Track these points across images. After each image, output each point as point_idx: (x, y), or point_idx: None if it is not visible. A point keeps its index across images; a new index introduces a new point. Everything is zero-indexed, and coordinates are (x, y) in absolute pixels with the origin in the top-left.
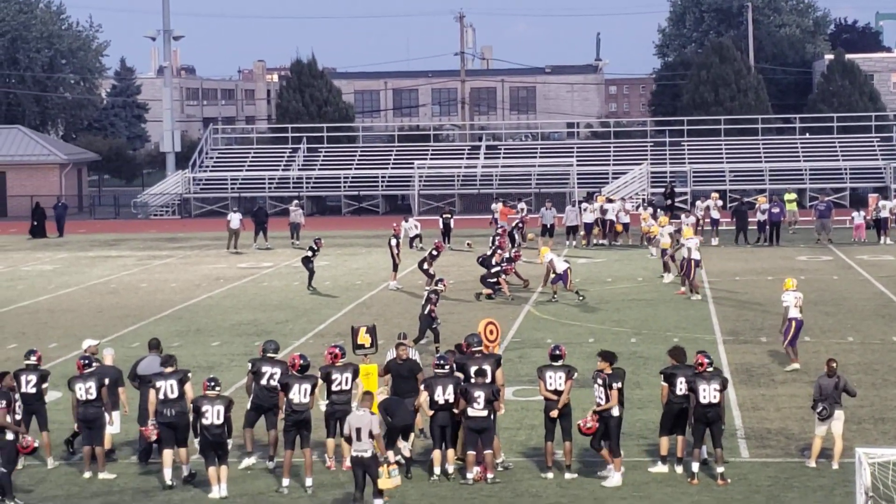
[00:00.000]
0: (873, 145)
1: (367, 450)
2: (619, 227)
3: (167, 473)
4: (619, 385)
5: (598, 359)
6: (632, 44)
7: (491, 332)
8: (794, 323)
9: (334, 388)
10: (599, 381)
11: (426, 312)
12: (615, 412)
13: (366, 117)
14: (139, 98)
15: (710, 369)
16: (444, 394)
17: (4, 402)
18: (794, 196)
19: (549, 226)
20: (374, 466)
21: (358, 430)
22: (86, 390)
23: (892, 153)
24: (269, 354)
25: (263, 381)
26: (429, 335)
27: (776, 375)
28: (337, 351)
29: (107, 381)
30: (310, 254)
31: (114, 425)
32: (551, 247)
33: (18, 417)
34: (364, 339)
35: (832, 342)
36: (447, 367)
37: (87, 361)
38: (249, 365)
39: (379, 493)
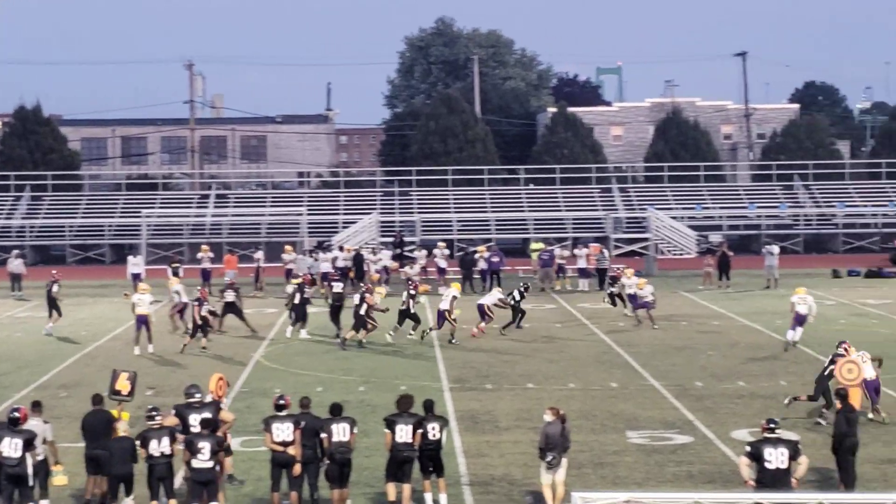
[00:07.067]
0: (594, 196)
1: (39, 454)
2: (375, 276)
3: None
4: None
5: None
6: (362, 94)
7: (221, 388)
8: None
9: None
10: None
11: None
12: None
13: (93, 165)
14: None
15: None
16: (160, 446)
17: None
18: (541, 245)
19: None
20: (43, 471)
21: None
22: None
23: (611, 204)
24: None
25: None
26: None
27: (500, 422)
28: None
29: None
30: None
31: None
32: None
33: None
34: (123, 385)
35: (555, 388)
36: (159, 417)
37: None
38: None
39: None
